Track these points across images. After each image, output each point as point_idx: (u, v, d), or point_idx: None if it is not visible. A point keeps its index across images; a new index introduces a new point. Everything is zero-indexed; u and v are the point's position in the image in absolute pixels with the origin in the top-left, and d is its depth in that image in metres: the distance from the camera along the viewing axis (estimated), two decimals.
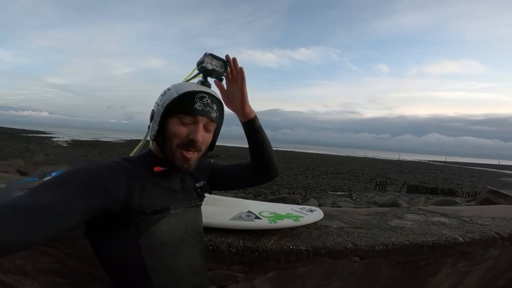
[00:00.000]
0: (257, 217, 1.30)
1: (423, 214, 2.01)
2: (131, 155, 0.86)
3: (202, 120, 0.74)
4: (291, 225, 1.29)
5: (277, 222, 1.27)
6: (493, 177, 35.50)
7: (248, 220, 1.27)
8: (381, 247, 1.30)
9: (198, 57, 0.84)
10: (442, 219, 1.87)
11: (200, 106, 0.73)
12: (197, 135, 0.73)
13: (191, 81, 0.86)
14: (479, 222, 1.85)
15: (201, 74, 0.85)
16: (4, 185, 1.79)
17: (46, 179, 0.78)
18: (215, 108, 0.77)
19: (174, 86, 0.77)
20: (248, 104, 0.91)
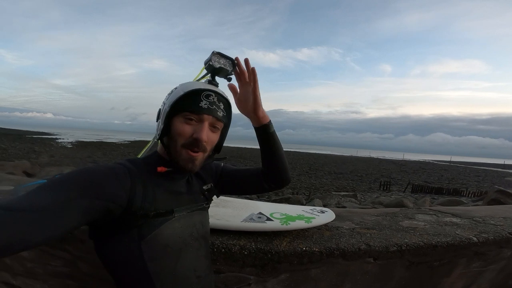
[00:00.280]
0: (268, 219, 1.29)
1: (434, 214, 1.98)
2: (139, 156, 0.85)
3: (207, 119, 0.72)
4: (303, 226, 1.27)
5: (289, 223, 1.25)
6: (499, 177, 35.17)
7: (260, 221, 1.25)
8: (395, 247, 1.28)
9: (200, 57, 0.83)
10: (454, 220, 1.84)
11: (205, 104, 0.71)
12: (202, 134, 0.71)
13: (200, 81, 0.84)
14: (492, 222, 1.82)
15: (209, 74, 0.84)
16: (13, 187, 1.79)
17: None
18: (221, 107, 0.75)
19: (181, 85, 0.75)
20: (262, 107, 0.86)
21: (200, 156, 0.74)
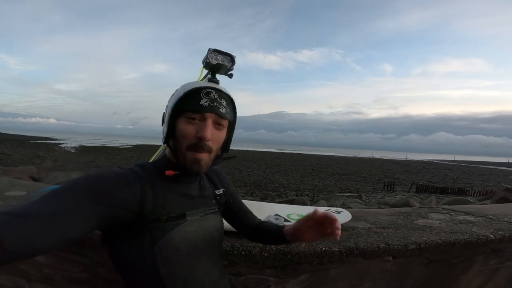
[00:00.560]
0: (286, 220, 1.29)
1: (447, 213, 1.98)
2: (151, 160, 0.85)
3: (210, 117, 0.71)
4: None
5: None
6: (503, 176, 34.91)
7: (278, 223, 1.26)
8: (414, 246, 1.28)
9: (201, 60, 0.82)
10: (468, 218, 1.83)
11: (206, 101, 0.70)
12: (205, 132, 0.69)
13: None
14: (505, 219, 1.82)
15: (209, 72, 0.83)
16: (25, 192, 1.80)
17: None
18: (224, 103, 0.73)
19: (182, 86, 0.75)
20: None
21: (206, 157, 0.72)
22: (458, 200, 9.83)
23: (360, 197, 12.81)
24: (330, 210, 1.49)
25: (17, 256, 0.46)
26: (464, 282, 1.49)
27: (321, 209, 1.51)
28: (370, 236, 1.35)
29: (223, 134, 0.76)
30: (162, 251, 0.67)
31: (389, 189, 20.81)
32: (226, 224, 1.24)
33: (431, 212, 1.98)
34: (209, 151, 0.72)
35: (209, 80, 0.80)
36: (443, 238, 1.37)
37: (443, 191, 19.23)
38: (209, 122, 0.71)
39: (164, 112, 0.77)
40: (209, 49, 0.79)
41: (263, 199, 13.91)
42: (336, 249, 1.19)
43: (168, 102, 0.75)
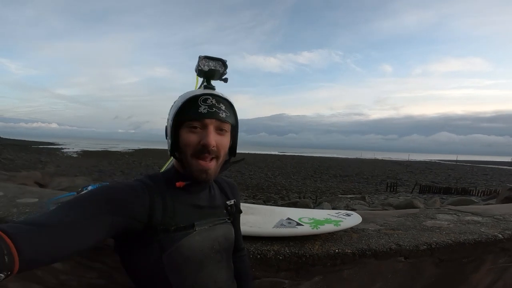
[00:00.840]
0: (298, 224, 1.31)
1: (454, 214, 1.99)
2: (162, 170, 0.86)
3: (210, 123, 0.70)
4: (332, 229, 1.29)
5: (319, 227, 1.27)
6: (507, 175, 34.74)
7: (291, 227, 1.28)
8: (425, 246, 1.31)
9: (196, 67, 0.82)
10: (476, 218, 1.85)
11: (205, 108, 0.70)
12: (208, 139, 0.69)
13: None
14: None
15: (204, 79, 0.83)
16: (36, 199, 1.82)
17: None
18: (223, 108, 0.73)
19: (180, 96, 0.75)
20: None
21: (213, 165, 0.72)
22: (462, 200, 9.80)
23: (363, 198, 12.79)
24: (340, 213, 1.51)
25: (35, 264, 0.48)
26: (475, 280, 1.51)
27: (331, 212, 1.53)
28: (381, 237, 1.37)
29: (227, 139, 0.75)
30: (171, 260, 0.69)
31: (392, 190, 20.75)
32: (245, 229, 1.27)
33: (438, 213, 1.99)
34: (216, 157, 0.73)
35: (205, 87, 0.80)
36: (453, 239, 1.39)
37: (447, 191, 19.17)
38: (211, 128, 0.71)
39: (166, 126, 0.77)
40: (199, 57, 0.79)
41: (266, 202, 13.88)
42: (349, 251, 1.21)
43: (169, 115, 0.75)
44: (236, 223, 0.93)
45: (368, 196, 15.88)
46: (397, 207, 8.89)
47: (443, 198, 13.75)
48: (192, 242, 0.72)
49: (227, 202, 0.87)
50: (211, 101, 0.71)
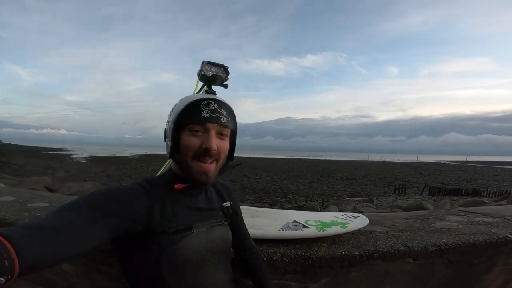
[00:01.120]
0: (304, 226, 1.31)
1: (464, 215, 1.96)
2: (158, 174, 0.87)
3: (212, 127, 0.72)
4: (339, 232, 1.28)
5: (325, 230, 1.26)
6: None
7: (297, 229, 1.28)
8: (434, 247, 1.29)
9: (198, 72, 0.83)
10: (486, 219, 1.82)
11: (207, 113, 0.71)
12: (210, 143, 0.71)
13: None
14: None
15: (205, 84, 0.85)
16: (47, 204, 1.85)
17: None
18: (224, 113, 0.74)
19: (181, 100, 0.76)
20: None
21: (213, 167, 0.74)
22: (473, 201, 9.61)
23: (371, 201, 12.64)
24: (346, 215, 1.50)
25: (35, 268, 0.49)
26: (487, 281, 1.49)
27: (338, 214, 1.52)
28: (388, 239, 1.36)
29: (227, 143, 0.78)
30: (169, 262, 0.69)
31: (400, 192, 20.48)
32: (252, 232, 1.27)
33: (448, 215, 1.96)
34: (216, 160, 0.74)
35: (206, 92, 0.82)
36: (463, 239, 1.37)
37: (457, 192, 18.82)
38: (213, 132, 0.72)
39: (165, 128, 0.79)
40: (202, 62, 0.81)
41: (272, 205, 13.83)
42: (356, 253, 1.20)
43: (169, 118, 0.77)
44: (238, 224, 0.94)
45: (376, 199, 15.68)
46: (406, 209, 8.76)
47: (453, 200, 13.51)
48: (190, 244, 0.72)
49: (224, 205, 0.89)
50: (213, 106, 0.73)
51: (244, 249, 0.93)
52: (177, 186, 0.74)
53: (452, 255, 1.33)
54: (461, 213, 2.01)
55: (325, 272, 1.19)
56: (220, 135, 0.74)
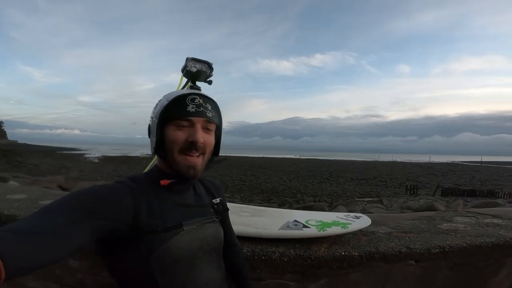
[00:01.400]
0: (305, 226, 1.30)
1: (473, 216, 1.91)
2: (144, 171, 0.85)
3: (198, 121, 0.72)
4: (339, 232, 1.27)
5: (325, 229, 1.26)
6: None
7: (297, 229, 1.27)
8: (437, 249, 1.26)
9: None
10: (496, 221, 1.77)
11: (193, 107, 0.71)
12: (197, 136, 0.70)
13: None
14: None
15: (189, 80, 0.85)
16: None
17: None
18: (209, 107, 0.74)
19: (164, 95, 0.76)
20: None
21: (200, 161, 0.73)
22: (487, 202, 9.33)
23: (381, 201, 12.43)
24: (349, 216, 1.48)
25: (21, 272, 0.47)
26: (494, 284, 1.45)
27: (340, 215, 1.51)
28: (391, 240, 1.34)
29: (212, 137, 0.77)
30: (159, 261, 0.67)
31: (412, 193, 20.08)
32: (245, 229, 1.28)
33: (456, 216, 1.92)
34: (203, 153, 0.74)
35: (191, 88, 0.82)
36: (468, 242, 1.33)
37: (471, 193, 18.32)
38: (199, 126, 0.72)
39: (149, 125, 0.78)
40: (187, 58, 0.81)
41: (280, 205, 13.79)
42: (356, 254, 1.18)
43: (153, 114, 0.76)
44: (225, 221, 0.93)
45: (386, 200, 15.41)
46: (417, 210, 8.57)
47: (467, 201, 13.16)
48: (180, 242, 0.70)
49: (213, 201, 0.87)
50: (199, 101, 0.73)
51: (228, 246, 0.92)
52: (163, 182, 0.72)
53: (456, 258, 1.30)
54: (470, 215, 1.96)
55: (324, 273, 1.18)
56: (205, 129, 0.74)
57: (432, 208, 8.12)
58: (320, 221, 1.38)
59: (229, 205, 0.98)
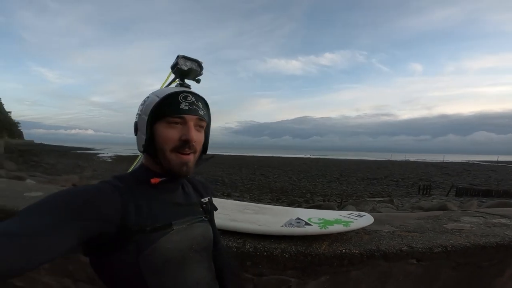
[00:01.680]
0: (307, 223, 1.32)
1: (481, 216, 1.88)
2: (129, 171, 0.84)
3: (191, 119, 0.71)
4: (341, 230, 1.29)
5: (327, 227, 1.27)
6: None
7: (299, 226, 1.30)
8: (439, 249, 1.26)
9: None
10: (503, 221, 1.74)
11: (186, 105, 0.70)
12: (190, 134, 0.69)
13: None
14: None
15: (177, 78, 0.85)
16: None
17: None
18: (201, 106, 0.74)
19: (153, 92, 0.75)
20: None
21: (191, 158, 0.72)
22: (502, 203, 9.05)
23: (391, 201, 12.23)
24: (352, 214, 1.49)
25: (7, 275, 0.46)
26: (499, 285, 1.43)
27: (343, 213, 1.52)
28: (393, 239, 1.34)
29: (203, 136, 0.77)
30: (148, 262, 0.66)
31: (424, 192, 19.66)
32: (243, 226, 1.31)
33: (464, 216, 1.90)
34: (194, 151, 0.73)
35: (181, 85, 0.82)
36: (472, 241, 1.32)
37: (487, 194, 17.79)
38: (191, 124, 0.71)
39: (136, 122, 0.76)
40: (178, 56, 0.81)
41: (290, 205, 13.76)
42: (357, 251, 1.20)
43: (140, 111, 0.74)
44: (212, 220, 0.92)
45: (398, 199, 15.15)
46: (428, 210, 8.40)
47: (482, 201, 12.80)
48: (170, 242, 0.69)
49: (202, 200, 0.86)
50: (191, 99, 0.72)
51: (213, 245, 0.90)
52: (154, 180, 0.71)
53: (459, 257, 1.29)
54: (478, 215, 1.93)
55: (325, 270, 1.20)
56: (198, 127, 0.74)
57: (444, 208, 7.95)
58: (322, 219, 1.40)
59: (233, 203, 1.00)
